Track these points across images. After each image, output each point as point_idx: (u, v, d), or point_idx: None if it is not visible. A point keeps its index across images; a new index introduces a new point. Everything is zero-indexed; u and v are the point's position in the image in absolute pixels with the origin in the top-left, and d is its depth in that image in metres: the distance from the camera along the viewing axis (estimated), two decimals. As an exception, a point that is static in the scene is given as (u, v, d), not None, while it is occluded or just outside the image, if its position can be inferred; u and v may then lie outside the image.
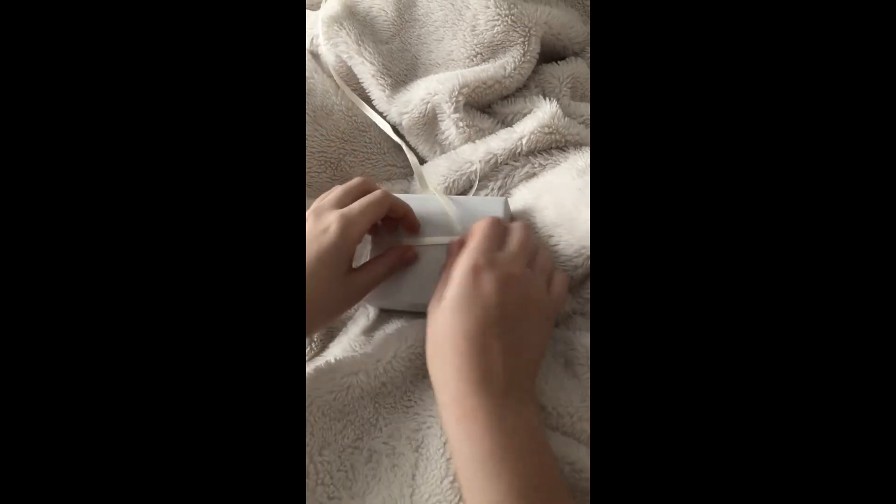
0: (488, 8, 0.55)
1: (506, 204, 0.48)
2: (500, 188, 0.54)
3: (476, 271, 0.38)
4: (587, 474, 0.38)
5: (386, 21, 0.58)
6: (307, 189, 0.56)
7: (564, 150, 0.55)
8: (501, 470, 0.33)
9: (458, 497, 0.40)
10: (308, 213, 0.43)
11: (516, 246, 0.41)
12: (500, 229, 0.42)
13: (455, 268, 0.39)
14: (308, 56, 0.59)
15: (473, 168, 0.54)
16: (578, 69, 0.60)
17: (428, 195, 0.52)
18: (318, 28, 0.59)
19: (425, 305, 0.41)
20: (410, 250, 0.47)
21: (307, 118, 0.56)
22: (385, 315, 0.51)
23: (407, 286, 0.48)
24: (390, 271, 0.46)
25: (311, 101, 0.56)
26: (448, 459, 0.41)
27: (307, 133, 0.55)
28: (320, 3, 0.65)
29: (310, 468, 0.41)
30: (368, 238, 0.50)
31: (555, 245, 0.49)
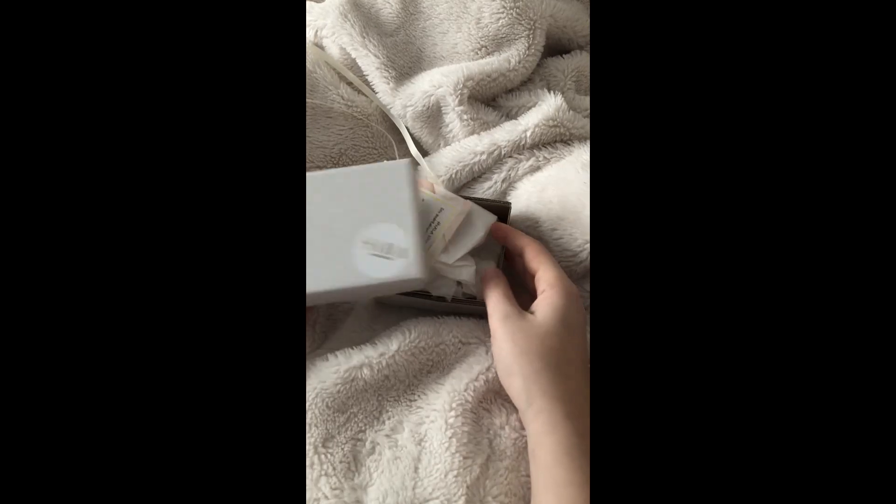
0: (493, 1, 0.55)
1: (408, 166, 0.44)
2: (503, 181, 0.54)
3: (576, 298, 0.43)
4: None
5: (391, 13, 0.58)
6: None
7: (569, 144, 0.54)
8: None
9: (461, 492, 0.40)
10: None
11: None
12: None
13: (556, 288, 0.42)
14: (311, 49, 0.58)
15: (477, 159, 0.54)
16: (583, 63, 0.60)
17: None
18: (323, 20, 0.58)
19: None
20: None
21: (308, 112, 0.55)
22: (387, 309, 0.51)
23: None
24: None
25: (313, 95, 0.56)
26: (453, 454, 0.41)
27: (308, 127, 0.55)
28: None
29: (313, 459, 0.41)
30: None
31: (558, 238, 0.49)
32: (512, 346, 0.39)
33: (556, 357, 0.39)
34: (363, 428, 0.43)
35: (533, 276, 0.44)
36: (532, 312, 0.42)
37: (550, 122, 0.53)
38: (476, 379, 0.43)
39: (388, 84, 0.57)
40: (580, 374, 0.39)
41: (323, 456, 0.41)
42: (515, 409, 0.44)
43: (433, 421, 0.43)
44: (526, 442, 0.43)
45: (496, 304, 0.42)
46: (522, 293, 0.44)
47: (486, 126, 0.56)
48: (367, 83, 0.58)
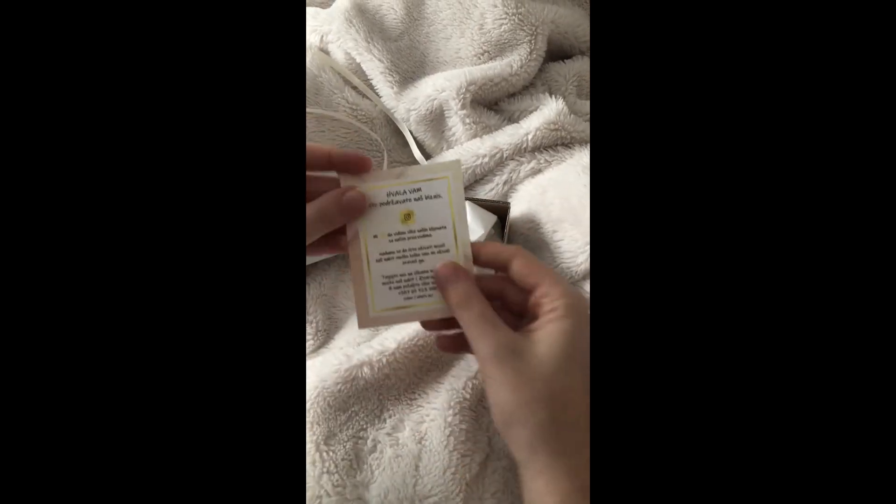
0: (496, 6, 0.56)
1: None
2: (505, 183, 0.55)
3: (587, 319, 0.34)
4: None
5: (395, 19, 0.58)
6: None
7: (570, 147, 0.55)
8: None
9: (459, 489, 0.41)
10: None
11: None
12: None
13: (569, 309, 0.34)
14: (317, 54, 0.59)
15: (479, 162, 0.55)
16: (584, 68, 0.60)
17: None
18: (329, 26, 0.59)
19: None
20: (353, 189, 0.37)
21: (313, 116, 0.56)
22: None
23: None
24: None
25: (317, 99, 0.57)
26: (451, 452, 0.41)
27: (312, 130, 0.56)
28: (323, 0, 0.65)
29: (315, 457, 0.41)
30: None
31: (559, 241, 0.50)
32: (512, 394, 0.32)
33: (563, 402, 0.33)
34: (364, 426, 0.44)
35: (526, 291, 0.36)
36: (530, 332, 0.34)
37: (552, 126, 0.54)
38: (474, 377, 0.44)
39: (392, 88, 0.57)
40: (585, 419, 0.33)
41: (325, 454, 0.42)
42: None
43: (433, 420, 0.43)
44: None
45: (481, 333, 0.34)
46: (499, 310, 0.36)
47: (489, 129, 0.56)
48: (371, 87, 0.59)
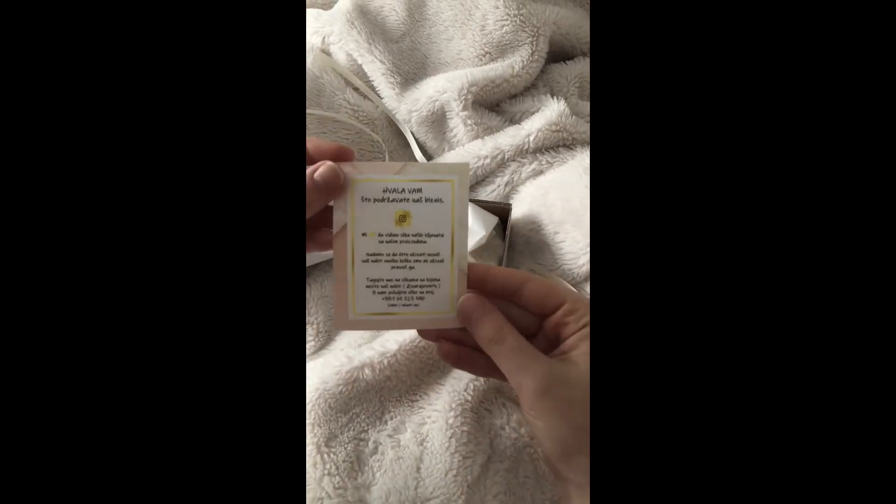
0: (497, 8, 0.56)
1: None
2: (507, 184, 0.55)
3: None
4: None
5: (396, 20, 0.58)
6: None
7: (572, 149, 0.55)
8: None
9: (461, 491, 0.41)
10: None
11: None
12: None
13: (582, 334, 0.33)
14: (319, 55, 0.59)
15: (481, 163, 0.55)
16: (586, 69, 0.60)
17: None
18: (330, 27, 0.59)
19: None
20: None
21: (315, 118, 0.56)
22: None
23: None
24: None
25: (319, 101, 0.57)
26: (452, 454, 0.41)
27: (313, 132, 0.56)
28: (325, 2, 0.65)
29: (317, 459, 0.41)
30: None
31: (560, 242, 0.50)
32: (567, 425, 0.31)
33: None
34: (366, 428, 0.44)
35: (539, 314, 0.35)
36: (565, 354, 0.33)
37: (553, 127, 0.54)
38: (476, 378, 0.44)
39: (394, 90, 0.57)
40: None
41: (326, 455, 0.42)
42: (516, 409, 0.44)
43: (434, 421, 0.43)
44: (525, 443, 0.43)
45: (521, 367, 0.32)
46: None
47: (490, 131, 0.56)
48: (373, 89, 0.59)
